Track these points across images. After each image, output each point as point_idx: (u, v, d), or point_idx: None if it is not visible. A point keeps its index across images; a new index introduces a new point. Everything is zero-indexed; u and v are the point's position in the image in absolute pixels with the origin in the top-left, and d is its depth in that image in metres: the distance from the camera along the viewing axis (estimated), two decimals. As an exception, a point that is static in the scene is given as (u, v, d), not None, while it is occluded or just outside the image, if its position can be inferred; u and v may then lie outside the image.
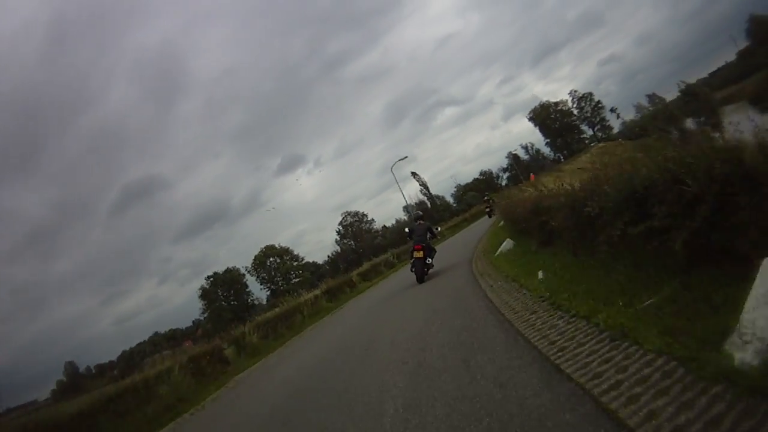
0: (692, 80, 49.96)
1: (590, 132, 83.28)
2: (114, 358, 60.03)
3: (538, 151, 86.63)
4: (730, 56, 46.22)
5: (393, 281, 15.72)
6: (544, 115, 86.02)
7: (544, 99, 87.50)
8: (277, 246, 59.01)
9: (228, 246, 77.39)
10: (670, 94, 51.59)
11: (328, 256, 62.54)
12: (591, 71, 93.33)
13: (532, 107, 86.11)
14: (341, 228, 65.15)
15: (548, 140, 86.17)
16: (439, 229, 14.86)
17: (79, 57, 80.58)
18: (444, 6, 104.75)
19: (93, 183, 79.95)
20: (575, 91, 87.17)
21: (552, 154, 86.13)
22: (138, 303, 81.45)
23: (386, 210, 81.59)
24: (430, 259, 10.64)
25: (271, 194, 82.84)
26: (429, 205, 65.59)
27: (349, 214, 64.75)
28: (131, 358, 54.09)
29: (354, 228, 63.71)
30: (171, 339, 58.13)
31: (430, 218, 55.49)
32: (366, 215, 65.98)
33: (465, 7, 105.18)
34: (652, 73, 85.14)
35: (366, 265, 24.96)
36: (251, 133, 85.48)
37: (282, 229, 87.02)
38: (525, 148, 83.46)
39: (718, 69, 46.61)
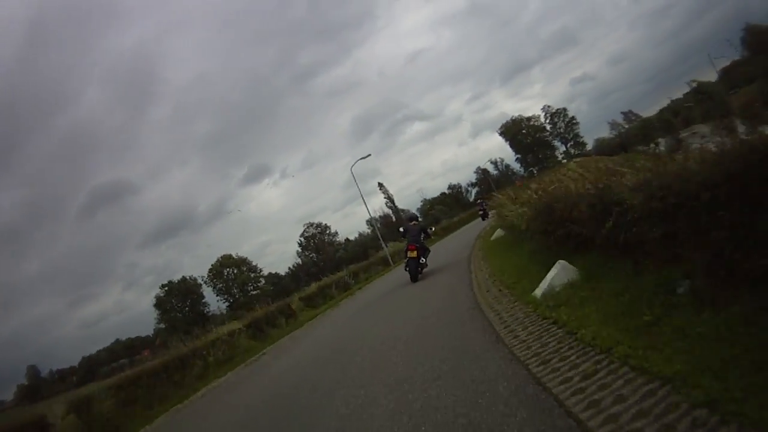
0: (666, 101, 51.66)
1: (563, 148, 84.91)
2: (76, 363, 59.61)
3: (507, 166, 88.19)
4: (709, 76, 46.93)
5: (346, 311, 12.47)
6: (515, 130, 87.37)
7: (516, 114, 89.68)
8: (234, 256, 57.79)
9: (193, 254, 78.49)
10: (647, 111, 54.23)
11: (289, 268, 62.05)
12: (563, 90, 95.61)
13: (503, 122, 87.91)
14: (303, 240, 64.36)
15: (518, 156, 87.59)
16: (433, 229, 15.15)
17: (55, 58, 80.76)
18: (417, 21, 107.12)
19: (62, 184, 79.28)
20: (548, 107, 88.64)
21: (522, 170, 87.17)
22: (103, 308, 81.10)
23: (351, 223, 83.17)
24: (423, 259, 11.08)
25: (236, 203, 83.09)
26: (394, 218, 65.00)
27: (311, 226, 64.10)
28: (89, 366, 54.24)
29: (316, 240, 62.04)
30: (130, 348, 57.63)
31: (395, 232, 54.75)
32: (329, 227, 65.28)
33: (438, 23, 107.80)
34: (626, 92, 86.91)
35: (313, 287, 20.76)
36: (219, 141, 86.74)
37: (247, 239, 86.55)
38: (494, 163, 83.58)
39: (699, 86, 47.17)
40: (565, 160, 63.39)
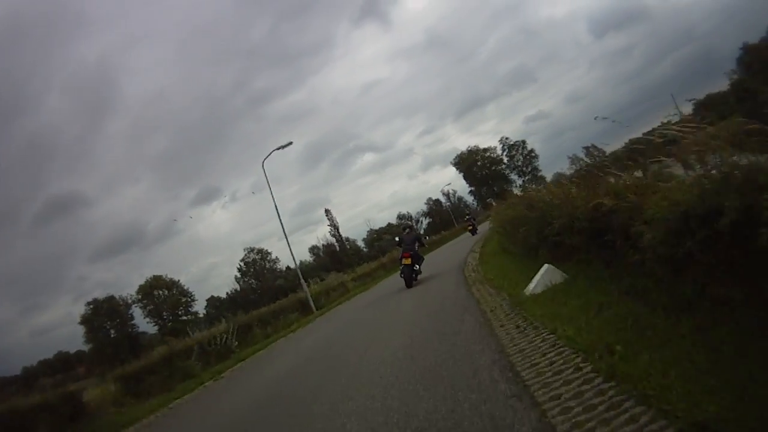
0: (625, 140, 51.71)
1: (520, 181, 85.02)
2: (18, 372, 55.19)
3: (460, 198, 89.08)
4: (670, 115, 47.69)
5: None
6: (470, 162, 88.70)
7: (472, 144, 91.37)
8: (165, 277, 55.45)
9: (141, 271, 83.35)
10: (609, 147, 52.95)
11: (227, 293, 60.11)
12: (517, 127, 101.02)
13: (458, 153, 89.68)
14: (243, 265, 62.50)
15: (472, 188, 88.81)
16: (427, 238, 16.80)
17: (16, 62, 79.08)
18: (374, 52, 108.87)
19: (16, 190, 77.28)
20: (506, 139, 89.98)
21: (475, 202, 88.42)
22: (51, 318, 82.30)
23: (297, 250, 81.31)
24: (418, 266, 12.17)
25: (186, 224, 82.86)
26: (338, 247, 64.56)
27: (252, 251, 61.52)
28: (26, 378, 51.32)
29: (257, 266, 58.32)
30: (65, 362, 55.17)
31: (339, 262, 56.27)
32: (270, 253, 63.49)
33: (395, 56, 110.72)
34: (582, 131, 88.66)
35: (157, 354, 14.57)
36: (172, 160, 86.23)
37: (195, 260, 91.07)
38: (446, 195, 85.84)
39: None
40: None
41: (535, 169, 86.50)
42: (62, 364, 55.05)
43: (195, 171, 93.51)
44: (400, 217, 77.05)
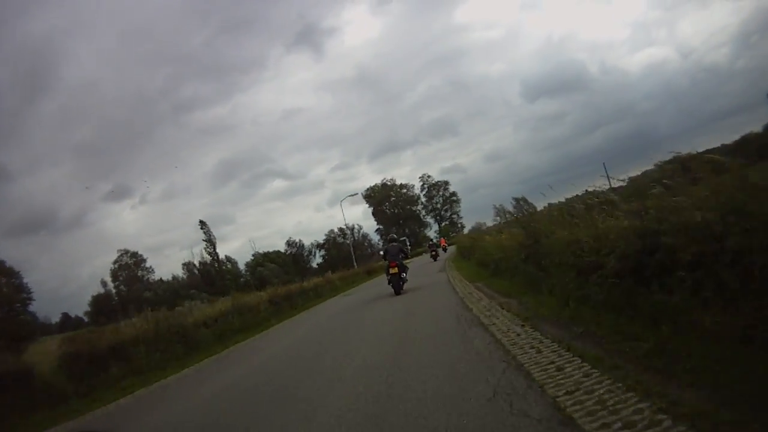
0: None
1: (436, 226, 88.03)
2: None
3: (365, 236, 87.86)
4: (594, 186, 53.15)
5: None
6: (383, 196, 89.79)
7: (388, 178, 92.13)
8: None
9: (49, 257, 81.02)
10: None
11: (92, 297, 57.11)
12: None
13: (371, 185, 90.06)
14: (115, 267, 59.83)
15: (380, 226, 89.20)
16: (409, 248, 18.65)
17: None
18: (303, 80, 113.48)
19: None
20: (428, 176, 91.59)
21: (380, 243, 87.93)
22: None
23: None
24: (404, 274, 14.25)
25: (95, 217, 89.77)
26: (214, 268, 60.87)
27: (126, 254, 56.57)
28: None
29: (129, 272, 55.20)
30: None
31: (211, 284, 55.93)
32: (145, 260, 61.64)
33: (322, 86, 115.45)
34: (495, 190, 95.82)
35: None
36: (92, 152, 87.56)
37: (98, 255, 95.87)
38: (350, 229, 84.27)
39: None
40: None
41: (456, 214, 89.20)
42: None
43: (112, 167, 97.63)
44: (290, 244, 75.23)
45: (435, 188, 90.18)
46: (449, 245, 43.40)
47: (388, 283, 14.31)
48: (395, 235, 17.96)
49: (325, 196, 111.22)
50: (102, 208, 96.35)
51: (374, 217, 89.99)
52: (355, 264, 46.29)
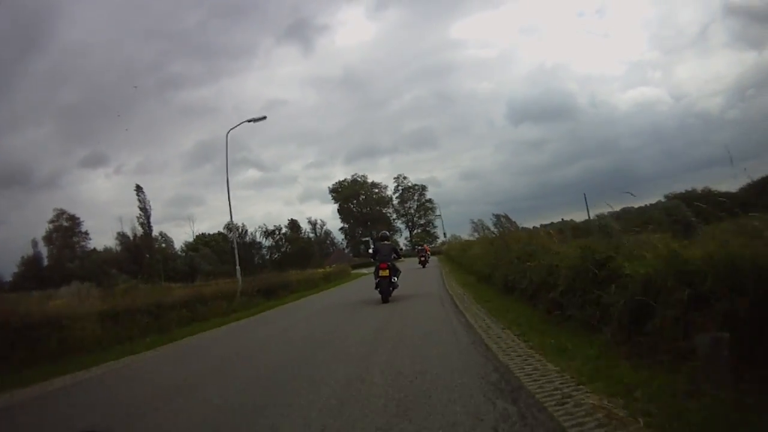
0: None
1: (407, 233, 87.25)
2: None
3: (328, 233, 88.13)
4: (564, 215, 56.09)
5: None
6: (350, 193, 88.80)
7: (359, 174, 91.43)
8: None
9: (20, 213, 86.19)
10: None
11: (22, 258, 54.79)
12: None
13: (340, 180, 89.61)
14: (50, 228, 58.16)
15: (345, 225, 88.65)
16: (403, 249, 18.17)
17: None
18: (290, 73, 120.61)
19: None
20: (403, 177, 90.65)
21: (344, 243, 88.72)
22: None
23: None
24: (395, 279, 13.30)
25: (69, 180, 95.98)
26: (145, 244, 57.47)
27: (62, 215, 55.69)
28: None
29: (62, 234, 54.20)
30: None
31: (140, 263, 52.19)
32: (81, 223, 59.88)
33: (308, 82, 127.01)
34: (467, 208, 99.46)
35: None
36: (75, 116, 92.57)
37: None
38: (312, 224, 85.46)
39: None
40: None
41: (431, 223, 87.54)
42: None
43: (91, 133, 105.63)
44: (227, 227, 73.17)
45: (410, 192, 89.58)
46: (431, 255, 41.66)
47: (375, 288, 13.26)
48: (387, 232, 15.74)
49: (296, 192, 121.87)
50: (77, 173, 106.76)
51: (339, 215, 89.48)
52: (329, 266, 44.39)
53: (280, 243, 74.56)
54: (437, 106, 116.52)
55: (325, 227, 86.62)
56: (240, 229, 68.53)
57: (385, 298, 12.76)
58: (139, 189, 59.89)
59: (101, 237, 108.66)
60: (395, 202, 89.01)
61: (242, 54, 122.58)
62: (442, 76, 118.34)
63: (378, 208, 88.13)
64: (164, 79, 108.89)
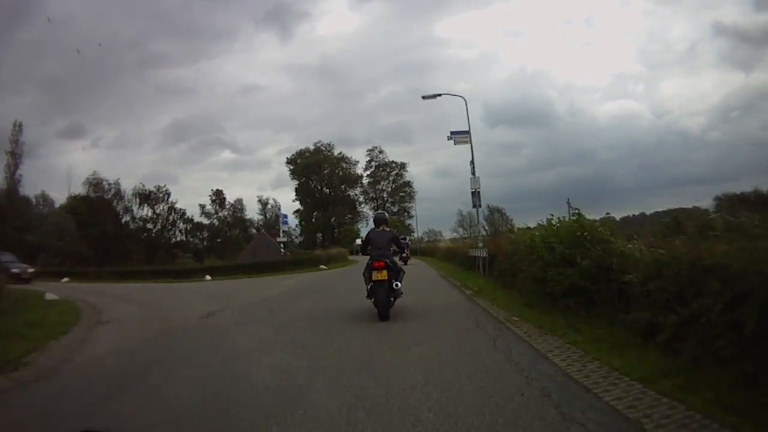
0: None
1: (369, 221, 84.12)
2: None
3: (277, 216, 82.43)
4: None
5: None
6: (311, 164, 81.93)
7: (328, 141, 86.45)
8: None
9: None
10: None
11: None
12: None
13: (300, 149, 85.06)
14: None
15: (301, 207, 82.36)
16: (409, 242, 15.44)
17: None
18: (268, 59, 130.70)
19: None
20: (379, 152, 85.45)
21: (298, 230, 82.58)
22: None
23: None
24: (398, 284, 10.67)
25: (48, 150, 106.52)
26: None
27: None
28: None
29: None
30: None
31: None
32: None
33: (285, 69, 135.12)
34: (440, 205, 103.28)
35: None
36: (57, 86, 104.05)
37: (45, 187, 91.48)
38: (264, 203, 79.41)
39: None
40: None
41: (406, 212, 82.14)
42: None
43: (71, 104, 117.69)
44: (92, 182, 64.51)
45: (385, 169, 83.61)
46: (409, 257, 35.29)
47: (368, 296, 10.60)
48: (384, 213, 11.28)
49: (269, 177, 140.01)
50: (54, 143, 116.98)
51: (297, 194, 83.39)
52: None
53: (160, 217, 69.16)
54: (412, 103, 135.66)
55: (277, 207, 79.14)
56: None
57: (384, 313, 10.08)
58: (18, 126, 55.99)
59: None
60: (366, 181, 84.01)
61: (223, 37, 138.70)
62: (421, 73, 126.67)
63: (343, 187, 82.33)
64: (143, 57, 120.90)
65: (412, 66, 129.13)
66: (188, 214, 72.73)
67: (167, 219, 68.98)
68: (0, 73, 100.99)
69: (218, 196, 75.47)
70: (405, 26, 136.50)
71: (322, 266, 37.19)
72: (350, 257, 45.86)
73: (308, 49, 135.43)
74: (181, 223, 71.21)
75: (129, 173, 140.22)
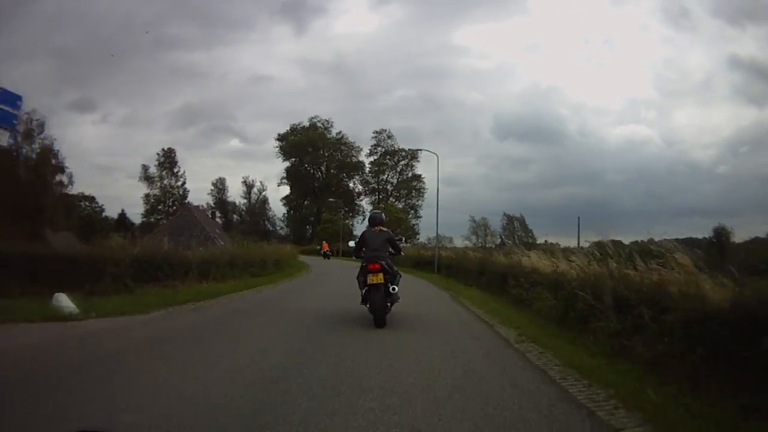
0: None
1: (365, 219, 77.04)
2: None
3: (264, 202, 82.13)
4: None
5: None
6: (304, 143, 76.69)
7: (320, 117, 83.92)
8: None
9: None
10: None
11: None
12: None
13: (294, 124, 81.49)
14: None
15: (290, 194, 78.46)
16: (405, 243, 15.69)
17: None
18: (283, 52, 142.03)
19: None
20: (388, 135, 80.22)
21: (284, 221, 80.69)
22: None
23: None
24: (395, 287, 10.78)
25: (57, 122, 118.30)
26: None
27: None
28: None
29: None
30: None
31: None
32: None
33: (297, 63, 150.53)
34: (445, 213, 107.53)
35: None
36: (70, 58, 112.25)
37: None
38: (249, 186, 78.12)
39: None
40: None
41: (414, 210, 77.68)
42: None
43: (83, 77, 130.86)
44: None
45: (392, 157, 78.59)
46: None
47: (362, 302, 11.01)
48: (380, 213, 11.08)
49: (275, 169, 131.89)
50: (65, 115, 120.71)
51: (288, 178, 79.07)
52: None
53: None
54: (424, 109, 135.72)
55: (263, 194, 78.67)
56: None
57: (380, 320, 10.36)
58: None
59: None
60: (368, 167, 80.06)
61: (241, 26, 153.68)
62: (435, 79, 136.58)
63: (342, 174, 77.88)
64: (160, 39, 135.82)
65: (427, 72, 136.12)
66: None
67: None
68: (17, 41, 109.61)
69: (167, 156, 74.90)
70: (423, 31, 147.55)
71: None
72: (301, 257, 39.43)
73: (323, 45, 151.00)
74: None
75: (137, 152, 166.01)
